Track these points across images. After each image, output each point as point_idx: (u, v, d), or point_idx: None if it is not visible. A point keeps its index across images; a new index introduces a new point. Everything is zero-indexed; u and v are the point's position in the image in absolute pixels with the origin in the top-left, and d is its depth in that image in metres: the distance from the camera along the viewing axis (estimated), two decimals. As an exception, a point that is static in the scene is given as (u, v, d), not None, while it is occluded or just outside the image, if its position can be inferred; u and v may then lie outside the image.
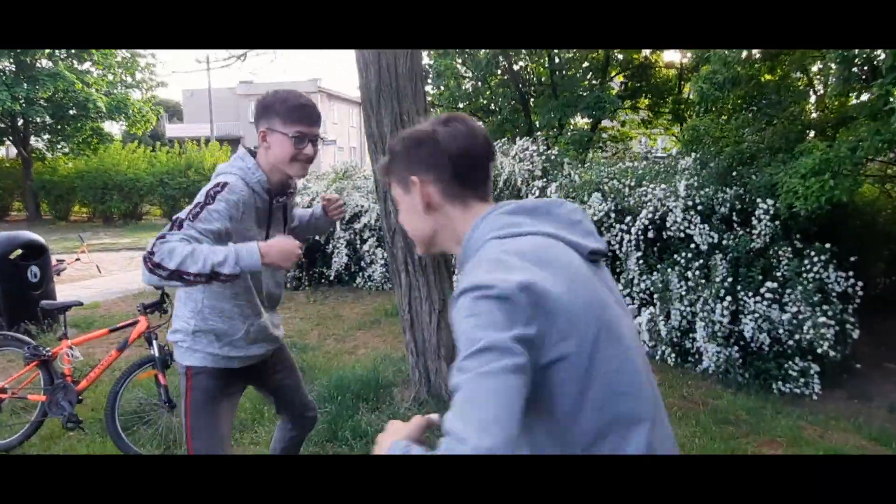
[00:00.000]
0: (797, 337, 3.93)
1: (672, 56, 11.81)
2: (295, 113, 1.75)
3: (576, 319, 0.91)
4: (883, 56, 3.76)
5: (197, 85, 50.16)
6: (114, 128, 20.68)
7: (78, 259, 9.58)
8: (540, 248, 0.97)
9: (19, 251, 5.20)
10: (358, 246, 7.07)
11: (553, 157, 5.57)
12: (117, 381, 3.09)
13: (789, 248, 4.27)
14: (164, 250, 1.53)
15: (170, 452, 3.04)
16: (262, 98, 1.83)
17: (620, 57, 11.75)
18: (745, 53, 5.14)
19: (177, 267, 1.53)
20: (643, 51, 11.66)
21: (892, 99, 3.55)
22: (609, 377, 0.93)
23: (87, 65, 18.37)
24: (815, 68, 5.61)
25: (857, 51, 3.99)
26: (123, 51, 18.68)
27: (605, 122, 12.64)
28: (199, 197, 1.68)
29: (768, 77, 5.83)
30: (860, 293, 4.27)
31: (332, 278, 7.15)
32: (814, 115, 5.63)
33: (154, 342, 3.10)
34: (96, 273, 9.17)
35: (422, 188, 1.08)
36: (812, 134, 5.21)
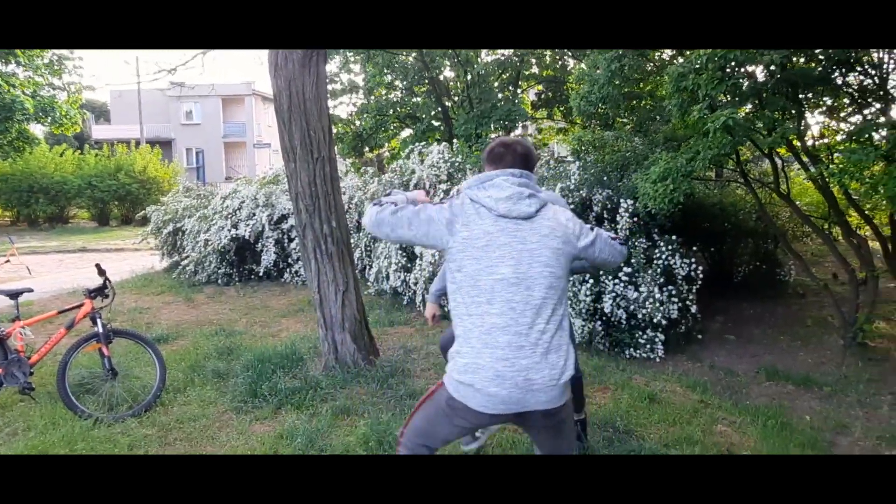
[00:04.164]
0: (643, 312, 4.85)
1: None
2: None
3: None
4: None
5: (125, 85, 48.58)
6: (37, 130, 20.16)
7: (8, 261, 9.64)
8: None
9: (-42, 250, 5.56)
10: (286, 244, 7.67)
11: (457, 164, 6.36)
12: (67, 351, 3.63)
13: (644, 239, 5.20)
14: None
15: (112, 414, 3.59)
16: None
17: (536, 70, 12.74)
18: (612, 70, 6.06)
19: None
20: (556, 64, 12.70)
21: (709, 123, 4.47)
22: None
23: (11, 66, 17.99)
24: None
25: (689, 82, 4.92)
26: (50, 52, 18.39)
27: (529, 131, 13.63)
28: None
29: (642, 90, 6.80)
30: (701, 276, 5.24)
31: (261, 274, 7.71)
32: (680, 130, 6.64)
33: (98, 321, 3.67)
34: (26, 274, 9.32)
35: None
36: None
